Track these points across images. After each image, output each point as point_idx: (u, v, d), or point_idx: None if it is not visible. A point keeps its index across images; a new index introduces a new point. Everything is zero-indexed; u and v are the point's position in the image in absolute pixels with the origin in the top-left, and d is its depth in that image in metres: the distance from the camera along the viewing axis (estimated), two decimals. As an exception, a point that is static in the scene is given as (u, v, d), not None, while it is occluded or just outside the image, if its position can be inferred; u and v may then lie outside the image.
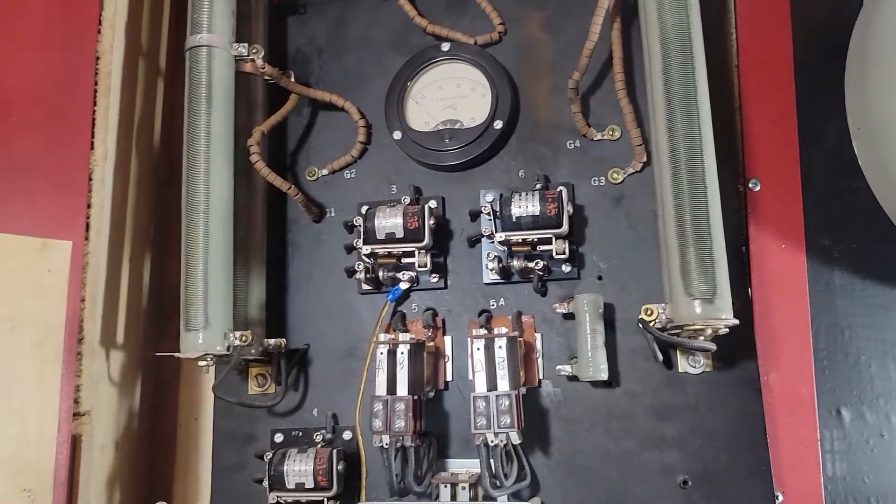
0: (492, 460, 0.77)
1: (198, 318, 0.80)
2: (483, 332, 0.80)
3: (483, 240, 0.89)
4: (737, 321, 0.70)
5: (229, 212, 0.86)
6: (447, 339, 0.89)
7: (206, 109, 0.85)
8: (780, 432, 0.84)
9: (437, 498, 0.81)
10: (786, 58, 0.92)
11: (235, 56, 0.90)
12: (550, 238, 0.84)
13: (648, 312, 0.73)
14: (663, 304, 0.73)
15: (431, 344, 0.88)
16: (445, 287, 0.91)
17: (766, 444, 0.81)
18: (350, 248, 0.93)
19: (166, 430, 0.99)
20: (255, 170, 0.89)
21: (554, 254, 0.83)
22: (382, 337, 0.82)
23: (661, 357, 0.79)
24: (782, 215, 0.89)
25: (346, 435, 0.89)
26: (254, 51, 0.90)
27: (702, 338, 0.73)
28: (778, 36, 0.90)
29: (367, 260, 0.89)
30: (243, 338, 0.82)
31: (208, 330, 0.80)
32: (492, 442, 0.76)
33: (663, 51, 0.75)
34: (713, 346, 0.75)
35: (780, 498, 0.82)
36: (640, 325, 0.75)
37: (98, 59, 0.87)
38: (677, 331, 0.74)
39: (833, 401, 0.86)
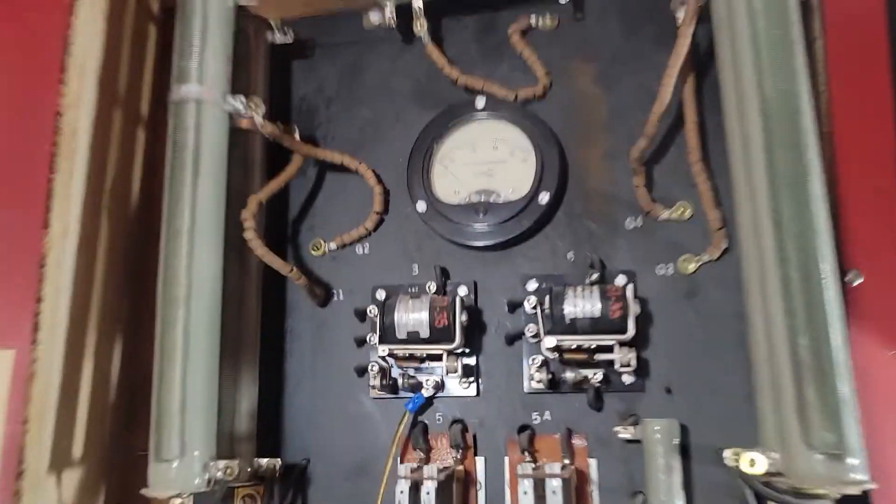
0: None
1: (171, 446, 0.64)
2: (529, 466, 0.64)
3: (524, 338, 0.73)
4: (874, 485, 0.54)
5: (216, 303, 0.70)
6: (479, 462, 0.73)
7: (192, 179, 0.70)
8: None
9: None
10: (886, 124, 0.77)
11: (230, 112, 0.74)
12: (612, 345, 0.68)
13: (753, 464, 0.57)
14: (772, 454, 0.56)
15: (460, 468, 0.72)
16: (478, 394, 0.75)
17: None
18: (361, 342, 0.77)
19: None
20: (249, 250, 0.73)
21: (617, 365, 0.68)
22: (402, 469, 0.66)
23: (757, 508, 0.63)
24: (889, 314, 0.73)
25: (356, 579, 0.72)
26: (252, 105, 0.74)
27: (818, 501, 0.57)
28: (877, 107, 0.75)
29: (382, 362, 0.73)
30: (228, 470, 0.65)
31: (185, 460, 0.64)
32: None
33: (764, 123, 0.59)
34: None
35: None
36: (742, 479, 0.59)
37: (60, 115, 0.71)
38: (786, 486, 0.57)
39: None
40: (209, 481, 0.64)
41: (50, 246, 0.69)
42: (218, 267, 0.70)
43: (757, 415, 0.64)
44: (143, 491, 0.64)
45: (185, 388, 0.65)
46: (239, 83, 0.76)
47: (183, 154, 0.70)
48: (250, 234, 0.72)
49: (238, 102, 0.73)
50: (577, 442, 0.71)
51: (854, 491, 0.53)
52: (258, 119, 0.74)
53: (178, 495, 0.63)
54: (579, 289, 0.69)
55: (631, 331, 0.67)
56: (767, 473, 0.56)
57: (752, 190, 0.61)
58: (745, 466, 0.57)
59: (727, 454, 0.62)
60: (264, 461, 0.72)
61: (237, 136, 0.77)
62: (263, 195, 0.75)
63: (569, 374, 0.69)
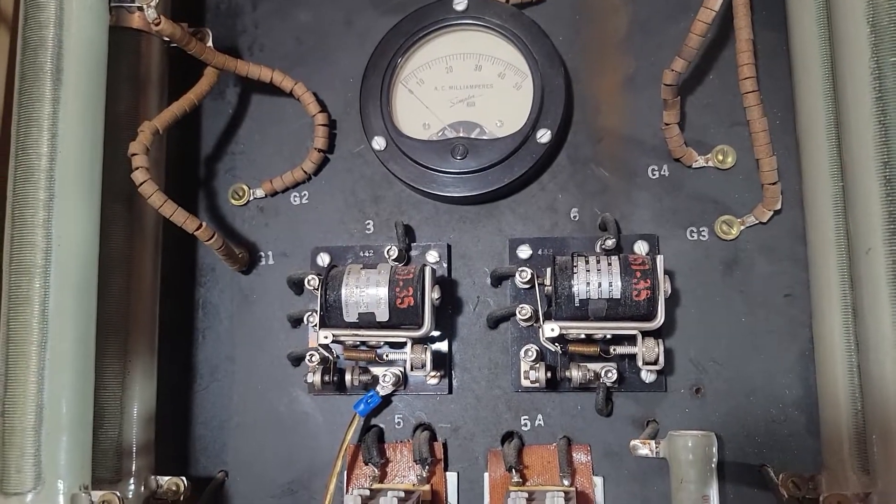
0: None
1: (23, 474, 0.45)
2: (522, 492, 0.47)
3: (515, 319, 0.56)
4: None
5: (91, 273, 0.50)
6: (450, 479, 0.56)
7: (53, 94, 0.49)
8: None
9: None
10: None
11: (112, 4, 0.52)
12: (634, 336, 0.51)
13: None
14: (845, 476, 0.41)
15: (426, 488, 0.55)
16: (450, 391, 0.58)
17: None
18: (297, 322, 0.58)
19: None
20: (139, 195, 0.53)
21: (640, 362, 0.51)
22: (349, 500, 0.48)
23: (816, 547, 0.48)
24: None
25: None
26: (141, -7, 0.52)
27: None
28: None
29: (326, 353, 0.54)
30: (104, 501, 0.47)
31: (43, 493, 0.45)
32: None
33: (874, 34, 0.42)
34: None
35: None
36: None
37: None
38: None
39: None
40: (77, 519, 0.46)
41: None
42: (93, 222, 0.50)
43: (822, 430, 0.49)
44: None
45: (41, 394, 0.46)
46: (125, -35, 0.54)
47: (39, 57, 0.49)
48: (141, 175, 0.52)
49: (121, -12, 0.52)
50: (579, 456, 0.55)
51: None
52: (150, 13, 0.52)
53: (28, 546, 0.44)
54: (593, 260, 0.51)
55: (660, 317, 0.50)
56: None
57: (848, 130, 0.43)
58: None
59: (782, 478, 0.46)
60: (164, 480, 0.54)
61: (125, 41, 0.56)
62: (161, 121, 0.55)
63: (575, 373, 0.52)
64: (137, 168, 0.52)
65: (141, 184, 0.52)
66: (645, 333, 0.51)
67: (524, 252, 0.57)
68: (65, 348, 0.47)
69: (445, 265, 0.59)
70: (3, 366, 0.47)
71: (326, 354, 0.55)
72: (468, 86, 0.60)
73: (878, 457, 0.42)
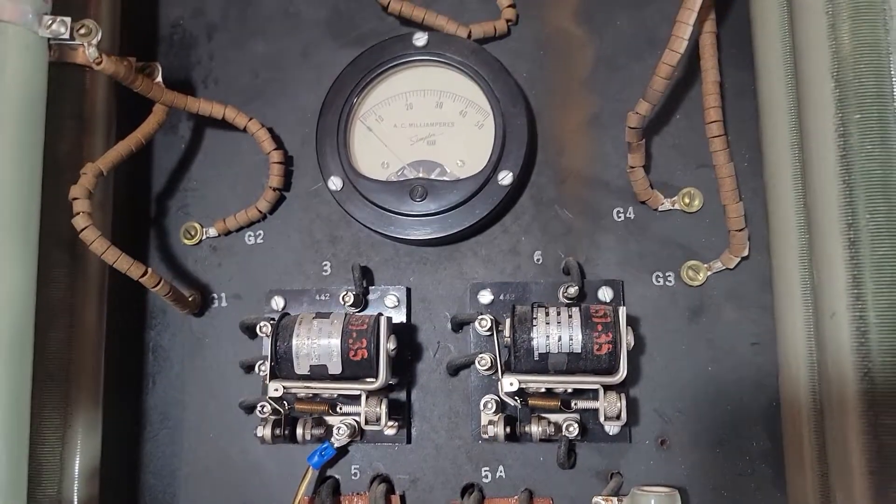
0: None
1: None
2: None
3: (476, 369, 0.54)
4: None
5: (27, 322, 0.47)
6: (409, 531, 0.54)
7: (-17, 135, 0.46)
8: None
9: None
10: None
11: (50, 40, 0.50)
12: (596, 390, 0.49)
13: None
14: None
15: (383, 542, 0.53)
16: (408, 441, 0.56)
17: None
18: (250, 368, 0.56)
19: None
20: (81, 241, 0.50)
21: (602, 417, 0.49)
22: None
23: None
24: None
25: None
26: (82, 31, 0.50)
27: None
28: None
29: (277, 405, 0.52)
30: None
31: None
32: None
33: (838, 89, 0.40)
34: None
35: None
36: None
37: None
38: None
39: None
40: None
41: None
42: (28, 270, 0.47)
43: (787, 482, 0.47)
44: None
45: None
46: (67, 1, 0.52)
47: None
48: (82, 221, 0.49)
49: (60, 25, 0.49)
50: (542, 510, 0.53)
51: None
52: (91, 52, 0.50)
53: None
54: (553, 311, 0.49)
55: (622, 371, 0.48)
56: None
57: (812, 189, 0.42)
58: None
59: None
60: (106, 541, 0.51)
61: (68, 78, 0.54)
62: (105, 163, 0.52)
63: (535, 428, 0.50)
64: (78, 213, 0.50)
65: (82, 230, 0.50)
66: (607, 387, 0.49)
67: (485, 297, 0.55)
68: (-3, 406, 0.45)
69: (405, 309, 0.57)
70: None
71: (277, 407, 0.52)
72: (429, 123, 0.58)
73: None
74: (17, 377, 0.46)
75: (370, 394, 0.51)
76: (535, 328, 0.48)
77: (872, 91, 0.39)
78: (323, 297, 0.57)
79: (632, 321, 0.54)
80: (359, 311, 0.55)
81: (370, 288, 0.57)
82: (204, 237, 0.60)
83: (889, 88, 0.39)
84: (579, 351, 0.48)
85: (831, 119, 0.39)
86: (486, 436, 0.52)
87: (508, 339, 0.50)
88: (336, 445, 0.54)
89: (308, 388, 0.51)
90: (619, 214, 0.56)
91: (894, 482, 0.37)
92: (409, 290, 0.57)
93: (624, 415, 0.49)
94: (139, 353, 0.59)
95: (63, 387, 0.52)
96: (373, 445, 0.56)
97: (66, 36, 0.50)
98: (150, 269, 0.52)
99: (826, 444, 0.45)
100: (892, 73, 0.39)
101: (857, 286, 0.38)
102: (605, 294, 0.54)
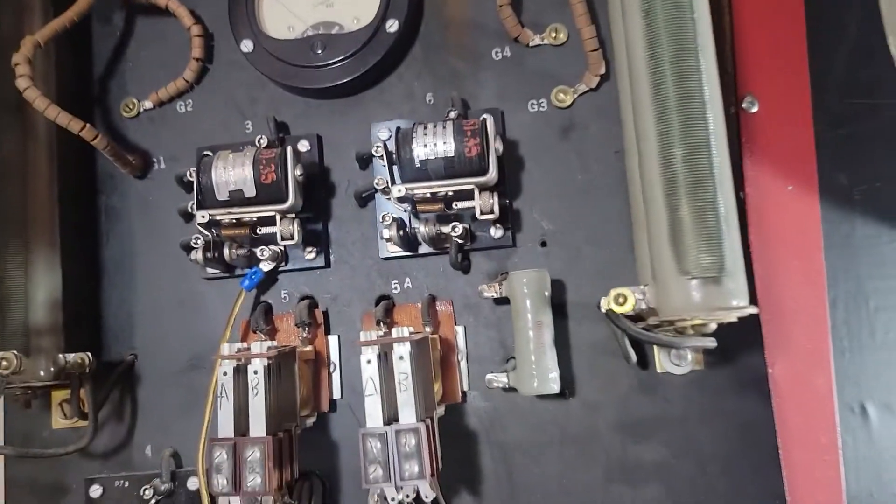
0: (395, 523, 0.52)
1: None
2: (375, 334, 0.54)
3: (377, 195, 0.62)
4: (755, 309, 0.46)
5: (-20, 167, 0.56)
6: (332, 340, 0.63)
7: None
8: (791, 441, 0.62)
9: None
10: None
11: (-16, -75, 0.58)
12: (472, 190, 0.57)
13: (621, 300, 0.48)
14: (641, 287, 0.48)
15: (309, 349, 0.61)
16: (327, 265, 0.64)
17: (779, 466, 0.58)
18: (187, 215, 0.64)
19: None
20: (27, 103, 0.59)
21: (478, 213, 0.57)
22: (226, 349, 0.55)
23: (634, 358, 0.55)
24: (788, 145, 0.65)
25: (192, 483, 0.62)
26: (9, -87, 0.58)
27: (696, 342, 0.48)
28: None
29: (206, 232, 0.61)
30: (4, 362, 0.53)
31: (-55, 353, 0.51)
32: (393, 499, 0.51)
33: None
34: (712, 343, 0.50)
35: (792, 529, 0.60)
36: (609, 319, 0.50)
37: None
38: (661, 325, 0.49)
39: (856, 394, 0.64)
40: (-21, 378, 0.52)
41: None
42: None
43: (634, 254, 0.55)
44: None
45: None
46: None
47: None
48: (24, 82, 0.58)
49: None
50: (442, 308, 0.61)
51: (731, 318, 0.45)
52: (19, -67, 0.58)
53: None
54: (430, 126, 0.57)
55: (492, 171, 0.56)
56: (640, 312, 0.48)
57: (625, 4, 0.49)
58: (614, 305, 0.48)
59: (602, 301, 0.52)
60: (70, 356, 0.60)
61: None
62: (41, 35, 0.60)
63: (422, 229, 0.58)
64: (20, 76, 0.58)
65: (24, 89, 0.58)
66: (481, 188, 0.57)
67: (383, 134, 0.63)
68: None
69: (317, 153, 0.65)
70: None
71: (206, 233, 0.61)
72: (326, -12, 0.65)
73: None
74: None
75: (283, 214, 0.59)
76: (414, 140, 0.56)
77: None
78: (238, 149, 0.64)
79: (511, 144, 0.62)
80: (274, 154, 0.63)
81: (285, 137, 0.65)
82: (141, 110, 0.68)
83: None
84: (453, 155, 0.56)
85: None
86: (389, 245, 0.60)
87: (398, 157, 0.58)
88: (264, 269, 0.62)
89: (230, 213, 0.59)
90: (497, 54, 0.64)
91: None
92: (319, 137, 0.65)
93: (497, 209, 0.57)
94: (94, 213, 0.68)
95: (21, 233, 0.60)
96: (298, 272, 0.64)
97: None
98: (87, 125, 0.60)
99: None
100: None
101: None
102: (488, 121, 0.62)
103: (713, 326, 0.47)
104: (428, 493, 0.51)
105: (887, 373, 0.64)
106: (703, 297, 0.44)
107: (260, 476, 0.51)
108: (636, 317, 0.53)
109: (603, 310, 0.49)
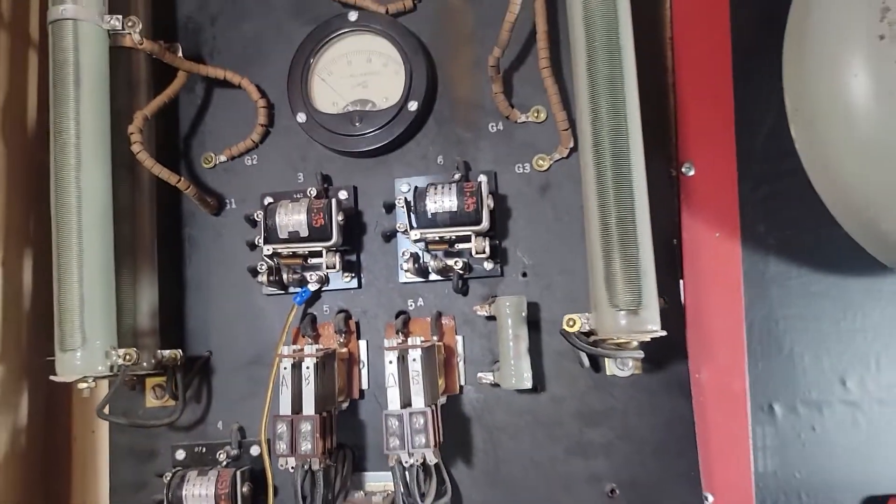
0: (408, 480, 0.71)
1: (74, 337, 0.71)
2: (395, 342, 0.73)
3: (399, 235, 0.81)
4: (664, 332, 0.65)
5: (108, 211, 0.76)
6: (362, 344, 0.82)
7: (75, 94, 0.74)
8: (711, 430, 0.81)
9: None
10: (723, 36, 0.85)
11: (108, 30, 0.78)
12: (470, 236, 0.76)
13: (570, 323, 0.67)
14: (587, 314, 0.67)
15: (345, 350, 0.81)
16: (359, 287, 0.83)
17: (695, 448, 0.77)
18: (252, 246, 0.84)
19: (61, 444, 0.91)
20: (138, 162, 0.79)
21: (473, 252, 0.76)
22: (285, 350, 0.75)
23: (587, 363, 0.74)
24: (717, 201, 0.84)
25: (255, 450, 0.82)
26: (129, 24, 0.78)
27: (628, 354, 0.67)
28: (715, 13, 0.83)
29: (269, 261, 0.80)
30: (128, 356, 0.73)
31: (87, 349, 0.71)
32: (406, 462, 0.71)
33: (587, 27, 0.67)
34: (641, 354, 0.69)
35: (711, 499, 0.79)
36: (563, 336, 0.69)
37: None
38: (605, 340, 0.68)
39: (766, 396, 0.83)
40: (111, 367, 0.72)
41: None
42: (105, 177, 0.76)
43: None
44: (52, 378, 0.71)
45: (82, 287, 0.72)
46: (118, 3, 0.79)
47: (63, 71, 0.74)
48: (137, 147, 0.78)
49: (115, 21, 0.77)
50: (446, 322, 0.81)
51: (646, 338, 0.64)
52: (135, 36, 0.78)
53: (83, 379, 0.71)
54: (440, 186, 0.76)
55: (485, 222, 0.75)
56: (586, 332, 0.67)
57: (578, 89, 0.68)
58: (566, 326, 0.67)
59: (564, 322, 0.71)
60: (167, 352, 0.80)
61: (121, 55, 0.81)
62: (149, 110, 0.80)
63: (432, 263, 0.78)
64: (135, 142, 0.78)
65: (138, 153, 0.78)
66: (476, 234, 0.76)
67: (404, 187, 0.82)
68: (93, 259, 0.73)
69: (353, 200, 0.84)
70: (57, 270, 0.72)
71: (269, 262, 0.80)
72: (362, 73, 0.84)
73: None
74: (104, 246, 0.75)
75: (328, 249, 0.79)
76: (427, 197, 0.76)
77: None
78: (295, 199, 0.84)
79: (502, 197, 0.81)
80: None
81: (329, 188, 0.84)
82: (217, 162, 0.88)
83: None
84: (456, 210, 0.75)
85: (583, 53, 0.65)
86: (406, 273, 0.79)
87: (414, 208, 0.77)
88: (311, 288, 0.82)
89: (288, 247, 0.79)
90: (493, 127, 0.83)
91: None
92: (355, 188, 0.84)
93: (488, 250, 0.76)
94: (180, 242, 0.87)
95: (131, 257, 0.80)
96: (336, 291, 0.84)
97: (119, 27, 0.78)
98: (181, 177, 0.80)
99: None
100: None
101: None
102: (483, 180, 0.81)
103: (635, 343, 0.66)
104: (431, 458, 0.71)
105: (791, 379, 0.83)
106: (626, 323, 0.63)
107: (310, 443, 0.71)
108: (590, 332, 0.72)
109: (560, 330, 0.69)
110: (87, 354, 0.71)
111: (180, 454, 0.83)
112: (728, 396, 0.82)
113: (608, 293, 0.64)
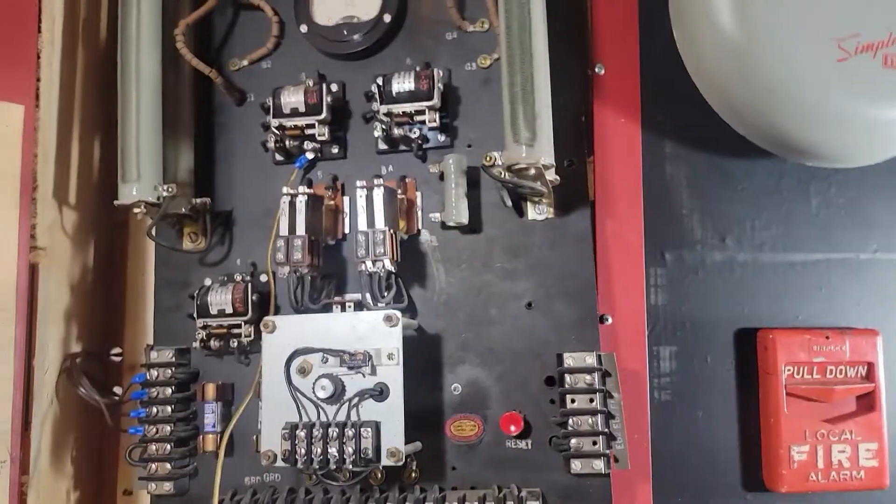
0: (371, 283, 0.96)
1: (131, 172, 0.98)
2: (365, 182, 0.98)
3: (377, 115, 1.06)
4: (552, 163, 0.89)
5: (158, 89, 1.02)
6: (346, 199, 1.07)
7: (137, 3, 1.01)
8: (612, 269, 1.04)
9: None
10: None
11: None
12: (424, 110, 1.01)
13: (488, 158, 0.91)
14: (499, 152, 0.91)
15: (332, 203, 1.07)
16: (345, 157, 1.09)
17: (594, 274, 1.00)
18: (265, 127, 1.10)
19: (117, 282, 1.18)
20: (181, 56, 1.06)
21: (427, 122, 1.01)
22: (284, 189, 1.00)
23: (509, 203, 0.98)
24: (623, 95, 1.07)
25: (263, 278, 1.08)
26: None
27: (530, 182, 0.91)
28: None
29: (276, 132, 1.06)
30: (169, 189, 1.00)
31: (140, 182, 0.98)
32: (369, 269, 0.96)
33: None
34: (544, 190, 0.93)
35: (610, 320, 1.02)
36: (482, 169, 0.93)
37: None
38: (512, 175, 0.92)
39: (658, 245, 1.06)
40: (158, 197, 0.99)
41: (42, 46, 1.01)
42: (156, 65, 1.02)
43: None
44: (115, 202, 0.98)
45: (139, 138, 0.98)
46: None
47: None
48: (181, 45, 1.05)
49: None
50: (409, 181, 1.06)
51: (541, 165, 0.88)
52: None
53: (137, 204, 0.98)
54: (402, 73, 1.02)
55: (436, 99, 1.00)
56: (500, 166, 0.91)
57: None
58: (484, 161, 0.91)
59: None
60: (198, 200, 1.07)
61: None
62: (190, 19, 1.07)
63: (397, 131, 1.03)
64: (179, 41, 1.05)
65: (180, 48, 1.05)
66: (430, 108, 1.01)
67: (380, 81, 1.08)
68: (146, 122, 0.99)
69: (342, 93, 1.10)
70: (121, 125, 0.99)
71: (276, 133, 1.06)
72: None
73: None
74: (155, 117, 1.01)
75: (320, 122, 1.04)
76: (393, 81, 1.01)
77: None
78: (297, 85, 1.10)
79: (454, 88, 1.06)
80: (317, 91, 1.08)
81: (324, 82, 1.10)
82: (241, 65, 1.14)
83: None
84: (413, 89, 1.00)
85: None
86: (378, 139, 1.05)
87: (383, 91, 1.02)
88: (308, 156, 1.07)
89: (290, 120, 1.05)
90: (449, 36, 1.08)
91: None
92: (344, 84, 1.10)
93: (438, 121, 1.01)
94: (211, 127, 1.14)
95: (174, 129, 1.06)
96: (328, 161, 1.09)
97: (171, -44, 1.06)
98: (212, 69, 1.07)
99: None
100: None
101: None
102: (435, 68, 1.05)
103: (532, 171, 0.90)
104: (389, 266, 0.96)
105: (679, 234, 1.05)
106: (525, 154, 0.87)
107: (300, 254, 0.97)
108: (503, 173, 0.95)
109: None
110: (141, 186, 0.98)
111: (207, 281, 1.09)
112: (627, 243, 1.05)
113: (513, 132, 0.88)
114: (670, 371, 1.03)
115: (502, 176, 0.91)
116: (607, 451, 0.90)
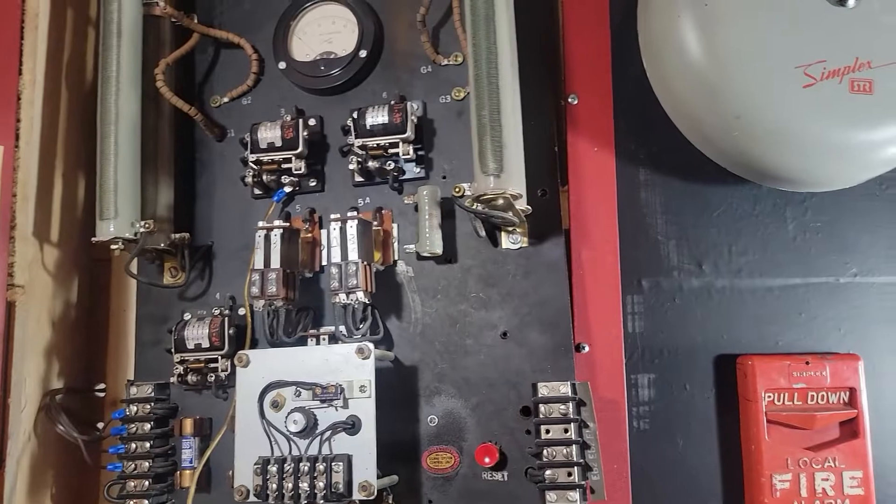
0: (346, 316, 0.96)
1: (109, 210, 0.99)
2: (339, 215, 0.99)
3: (352, 148, 1.08)
4: (521, 193, 0.89)
5: (136, 127, 1.04)
6: (323, 232, 1.08)
7: (117, 43, 1.04)
8: (589, 298, 1.04)
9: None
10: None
11: (143, 1, 1.08)
12: (398, 143, 1.02)
13: (457, 189, 0.92)
14: (468, 183, 0.92)
15: (309, 235, 1.07)
16: (323, 190, 1.10)
17: (569, 303, 1.00)
18: (244, 161, 1.11)
19: (101, 318, 1.19)
20: (161, 95, 1.08)
21: (401, 155, 1.02)
22: (261, 223, 1.01)
23: (482, 233, 0.99)
24: (596, 124, 1.08)
25: (242, 311, 1.08)
26: (158, -4, 1.08)
27: (500, 212, 0.92)
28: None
29: (254, 167, 1.08)
30: (146, 225, 1.01)
31: (118, 219, 1.00)
32: (343, 301, 0.96)
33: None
34: (515, 220, 0.94)
35: (587, 348, 1.02)
36: (453, 200, 0.94)
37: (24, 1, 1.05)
38: (482, 205, 0.92)
39: (635, 272, 1.05)
40: (135, 233, 1.00)
41: (23, 87, 1.04)
42: (136, 104, 1.04)
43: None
44: (93, 239, 0.99)
45: (117, 176, 1.00)
46: (149, -18, 1.10)
47: (110, 27, 1.04)
48: (160, 83, 1.07)
49: (148, -7, 1.08)
50: (385, 213, 1.07)
51: (508, 195, 0.88)
52: (161, 4, 1.08)
53: (114, 240, 0.99)
54: (376, 107, 1.03)
55: (409, 132, 1.01)
56: (470, 196, 0.92)
57: (468, 35, 0.94)
58: (454, 192, 0.92)
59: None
60: (177, 234, 1.08)
61: (151, 22, 1.10)
62: (170, 59, 1.09)
63: (372, 164, 1.04)
64: (159, 80, 1.07)
65: (160, 87, 1.07)
66: (404, 141, 1.02)
67: (356, 115, 1.09)
68: (125, 162, 1.01)
69: (319, 127, 1.11)
70: (99, 165, 1.01)
71: (254, 168, 1.08)
72: (328, 32, 1.11)
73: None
74: (133, 158, 1.03)
75: (296, 156, 1.06)
76: (367, 114, 1.02)
77: None
78: (274, 121, 1.11)
79: (429, 120, 1.07)
80: (295, 126, 1.10)
81: (301, 117, 1.12)
82: (222, 102, 1.16)
83: None
84: (387, 122, 1.01)
85: None
86: (353, 172, 1.06)
87: (357, 125, 1.04)
88: (286, 190, 1.08)
89: (267, 155, 1.06)
90: (424, 69, 1.09)
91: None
92: (321, 118, 1.12)
93: (413, 153, 1.02)
94: (192, 163, 1.15)
95: (153, 167, 1.08)
96: (306, 194, 1.10)
97: (151, -1, 1.08)
98: (192, 107, 1.08)
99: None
100: None
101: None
102: (408, 102, 1.07)
103: (500, 202, 0.90)
104: (362, 298, 0.96)
105: (655, 261, 1.05)
106: (493, 183, 0.88)
107: (275, 287, 0.97)
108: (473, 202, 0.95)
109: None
110: (118, 222, 1.00)
111: (186, 315, 1.10)
112: (603, 272, 1.05)
113: (480, 163, 0.89)
114: (649, 399, 1.02)
115: (473, 206, 0.92)
116: (583, 483, 0.89)
